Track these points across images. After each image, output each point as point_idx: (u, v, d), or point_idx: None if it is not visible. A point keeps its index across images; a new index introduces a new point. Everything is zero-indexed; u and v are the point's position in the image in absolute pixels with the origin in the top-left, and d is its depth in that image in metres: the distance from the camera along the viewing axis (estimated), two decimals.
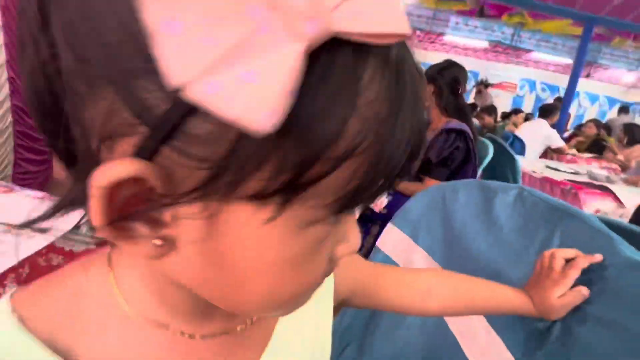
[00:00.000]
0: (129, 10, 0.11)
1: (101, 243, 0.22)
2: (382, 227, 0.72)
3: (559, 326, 0.40)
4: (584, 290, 0.38)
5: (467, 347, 0.53)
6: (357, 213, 0.21)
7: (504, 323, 0.48)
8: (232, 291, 0.18)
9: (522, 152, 3.34)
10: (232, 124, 0.11)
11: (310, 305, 0.21)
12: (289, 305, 0.20)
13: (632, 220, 1.35)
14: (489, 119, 3.92)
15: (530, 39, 6.67)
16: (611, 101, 8.46)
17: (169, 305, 0.21)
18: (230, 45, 0.11)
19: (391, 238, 0.69)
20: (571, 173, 2.06)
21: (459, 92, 1.39)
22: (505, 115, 4.86)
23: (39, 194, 0.75)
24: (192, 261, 0.16)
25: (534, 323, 0.42)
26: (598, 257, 0.38)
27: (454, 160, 1.34)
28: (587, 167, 2.49)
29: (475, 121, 3.97)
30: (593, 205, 1.64)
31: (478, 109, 4.53)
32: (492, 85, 7.11)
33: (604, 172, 2.04)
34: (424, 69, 1.75)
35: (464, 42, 7.00)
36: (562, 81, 6.23)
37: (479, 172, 1.56)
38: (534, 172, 2.00)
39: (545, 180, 1.88)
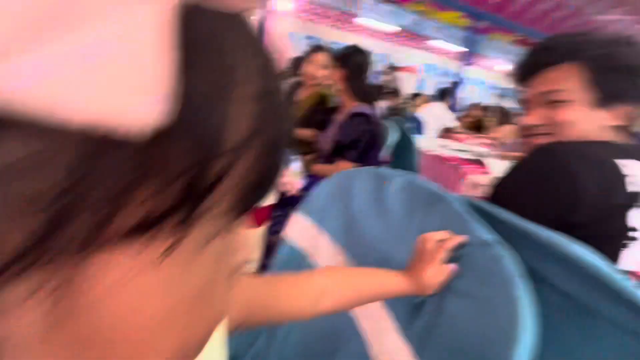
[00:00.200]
0: None
1: None
2: None
3: (431, 299, 0.47)
4: (450, 267, 0.45)
5: (362, 318, 0.58)
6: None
7: (392, 298, 0.53)
8: None
9: (421, 132, 3.75)
10: (75, 130, 0.07)
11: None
12: (198, 349, 0.15)
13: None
14: (395, 101, 4.26)
15: (429, 27, 7.35)
16: (492, 87, 10.04)
17: None
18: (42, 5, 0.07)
19: (297, 227, 0.70)
20: (459, 150, 2.40)
21: (365, 77, 1.46)
22: (409, 98, 5.33)
23: None
24: None
25: (414, 298, 0.48)
26: (461, 238, 0.45)
27: (361, 142, 1.42)
28: (472, 145, 2.93)
29: (384, 102, 4.28)
30: (472, 178, 1.95)
31: (387, 90, 4.88)
32: (399, 68, 7.71)
33: (484, 149, 2.43)
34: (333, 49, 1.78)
35: (373, 25, 7.34)
36: (455, 67, 7.10)
37: (386, 152, 1.69)
38: (431, 150, 2.26)
39: (439, 157, 2.15)
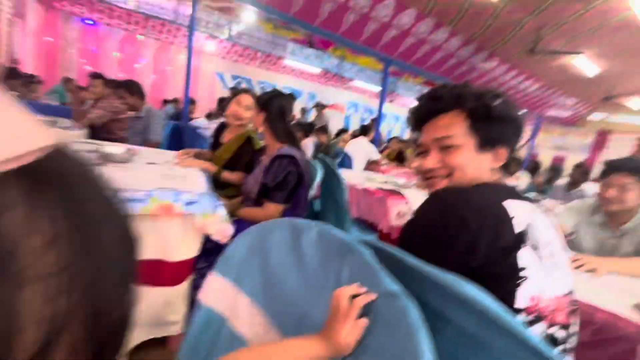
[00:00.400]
0: None
1: None
2: None
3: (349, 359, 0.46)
4: (361, 322, 0.45)
5: None
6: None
7: None
8: None
9: (351, 166, 3.95)
10: None
11: None
12: None
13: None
14: (323, 137, 4.46)
15: (350, 69, 8.07)
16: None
17: None
18: None
19: (213, 288, 0.64)
20: (382, 182, 2.57)
21: (287, 119, 1.50)
22: (337, 134, 5.65)
23: None
24: None
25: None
26: (372, 296, 0.46)
27: (288, 183, 1.42)
28: (392, 176, 3.17)
29: (314, 139, 4.45)
30: (395, 209, 2.08)
31: (317, 127, 5.11)
32: (327, 106, 8.19)
33: (403, 180, 2.64)
34: (257, 92, 1.81)
35: (300, 67, 7.78)
36: (376, 105, 7.84)
37: (313, 191, 1.71)
38: (357, 184, 2.37)
39: (366, 191, 2.26)
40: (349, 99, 10.00)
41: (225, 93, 6.19)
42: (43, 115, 2.90)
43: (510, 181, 3.74)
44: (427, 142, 0.75)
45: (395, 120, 11.09)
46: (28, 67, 5.21)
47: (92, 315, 0.12)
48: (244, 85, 7.98)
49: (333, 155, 4.22)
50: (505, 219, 0.56)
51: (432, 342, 0.40)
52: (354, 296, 0.46)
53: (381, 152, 5.19)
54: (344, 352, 0.45)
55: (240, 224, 1.47)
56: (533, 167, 4.99)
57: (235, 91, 1.85)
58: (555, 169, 5.11)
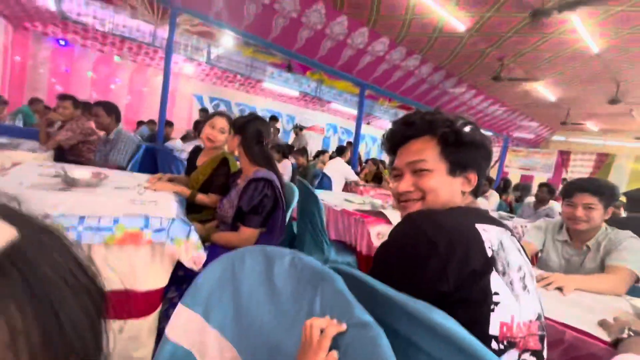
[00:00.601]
0: None
1: None
2: None
3: None
4: (332, 356, 0.43)
5: None
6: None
7: None
8: None
9: (330, 186, 3.97)
10: None
11: None
12: None
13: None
14: (302, 159, 4.49)
15: (328, 92, 8.29)
16: None
17: None
18: None
19: (181, 322, 0.61)
20: (359, 203, 2.59)
21: (264, 143, 1.50)
22: (316, 155, 5.70)
23: None
24: None
25: None
26: (343, 327, 0.44)
27: (264, 207, 1.40)
28: (370, 196, 3.21)
29: (292, 160, 4.47)
30: (375, 229, 2.09)
31: (296, 149, 5.14)
32: (305, 128, 8.30)
33: (380, 201, 2.67)
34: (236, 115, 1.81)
35: (279, 90, 7.91)
36: (354, 126, 8.03)
37: (289, 213, 1.70)
38: (335, 205, 2.38)
39: (344, 212, 2.27)
40: (328, 120, 10.21)
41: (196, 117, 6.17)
42: (7, 137, 2.75)
43: (481, 200, 3.87)
44: (401, 166, 0.77)
45: (373, 142, 11.38)
46: None
47: None
48: (222, 108, 7.98)
49: (312, 176, 4.24)
50: (476, 243, 0.57)
51: None
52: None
53: (359, 173, 5.27)
54: None
55: (215, 250, 1.43)
56: (503, 186, 5.22)
57: (207, 114, 1.85)
58: (524, 188, 5.37)
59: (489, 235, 0.59)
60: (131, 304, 1.11)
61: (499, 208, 4.35)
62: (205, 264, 1.27)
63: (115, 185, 1.50)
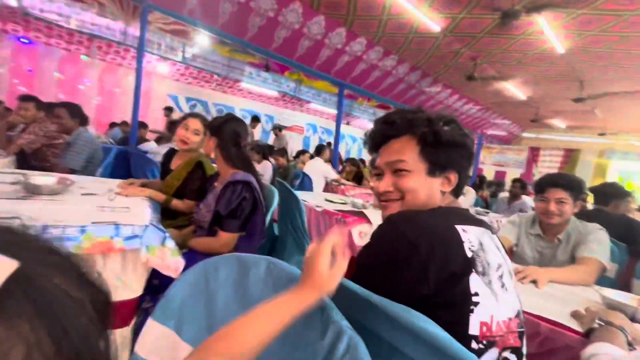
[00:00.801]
0: None
1: None
2: None
3: None
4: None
5: None
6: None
7: None
8: None
9: (311, 186, 3.95)
10: None
11: None
12: None
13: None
14: (282, 160, 4.45)
15: (307, 92, 8.27)
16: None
17: None
18: None
19: (152, 338, 0.57)
20: (341, 203, 2.59)
21: (241, 144, 1.46)
22: (296, 155, 5.67)
23: None
24: None
25: None
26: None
27: (242, 211, 1.36)
28: (351, 196, 3.22)
29: (272, 161, 4.42)
30: (357, 229, 2.09)
31: (276, 149, 5.09)
32: (285, 128, 8.24)
33: (361, 200, 2.68)
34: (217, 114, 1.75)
35: (258, 90, 7.80)
36: (334, 126, 8.06)
37: (270, 216, 1.67)
38: (317, 206, 2.36)
39: (325, 213, 2.26)
40: (307, 120, 10.18)
41: (179, 115, 5.96)
42: None
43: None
44: (382, 165, 0.76)
45: (353, 142, 11.46)
46: None
47: None
48: (199, 109, 7.79)
49: (293, 177, 4.21)
50: (456, 245, 0.57)
51: None
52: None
53: (340, 172, 5.28)
54: (327, 286, 0.46)
55: (193, 256, 1.37)
56: (479, 182, 5.39)
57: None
58: (498, 184, 5.56)
59: (469, 236, 0.59)
60: None
61: (476, 204, 4.48)
62: (184, 271, 1.23)
63: (83, 192, 1.42)
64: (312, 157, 4.74)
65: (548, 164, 10.04)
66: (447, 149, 0.69)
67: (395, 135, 0.74)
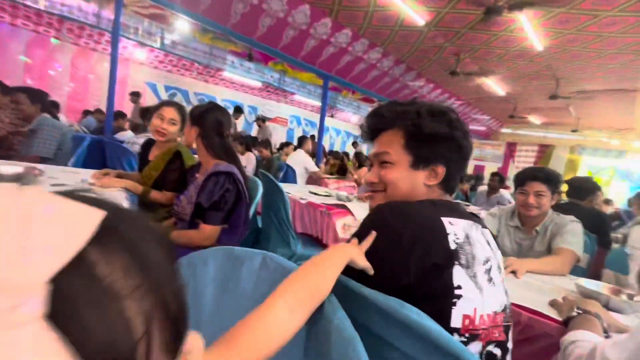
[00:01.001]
0: None
1: None
2: None
3: None
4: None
5: None
6: None
7: None
8: None
9: (295, 179, 3.93)
10: None
11: None
12: None
13: None
14: (266, 152, 4.38)
15: (292, 84, 8.16)
16: (348, 134, 11.71)
17: None
18: None
19: None
20: (325, 196, 2.58)
21: (224, 134, 1.41)
22: (280, 147, 5.61)
23: None
24: None
25: None
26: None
27: (226, 203, 1.32)
28: (335, 189, 3.22)
29: (256, 153, 4.35)
30: (341, 222, 2.09)
31: (260, 141, 5.00)
32: (269, 119, 8.12)
33: (345, 193, 2.68)
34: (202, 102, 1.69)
35: (240, 80, 7.62)
36: (318, 119, 8.02)
37: (254, 208, 1.63)
38: (302, 198, 2.34)
39: (309, 205, 2.24)
40: (291, 112, 10.08)
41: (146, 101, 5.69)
42: None
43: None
44: (371, 157, 0.77)
45: (337, 134, 11.46)
46: None
47: (165, 305, 0.19)
48: (179, 98, 7.53)
49: (277, 169, 4.16)
50: (439, 236, 0.57)
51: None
52: None
53: (324, 165, 5.27)
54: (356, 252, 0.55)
55: (176, 250, 1.33)
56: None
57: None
58: (478, 177, 5.71)
59: (455, 228, 0.59)
60: None
61: (457, 197, 4.59)
62: None
63: (52, 183, 1.34)
64: (295, 149, 4.70)
65: (524, 159, 10.41)
66: (431, 142, 0.69)
67: (385, 128, 0.74)
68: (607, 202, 5.13)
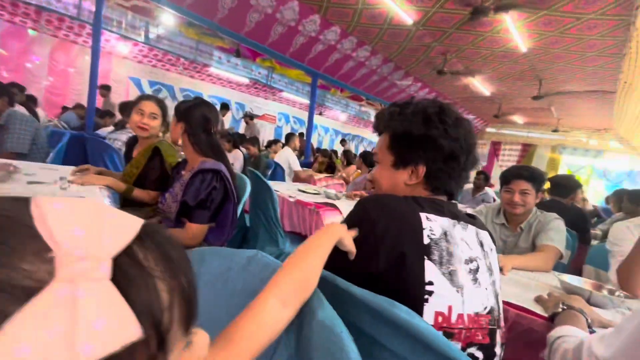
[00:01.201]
0: None
1: None
2: None
3: None
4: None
5: None
6: None
7: None
8: None
9: (284, 177, 3.90)
10: None
11: None
12: None
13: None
14: (253, 149, 4.33)
15: (280, 81, 8.09)
16: (336, 132, 11.71)
17: None
18: None
19: None
20: (314, 194, 2.57)
21: (211, 130, 1.38)
22: (268, 145, 5.56)
23: None
24: None
25: None
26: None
27: (213, 201, 1.29)
28: (324, 187, 3.20)
29: (244, 150, 4.29)
30: (330, 220, 2.08)
31: (248, 138, 4.94)
32: (257, 116, 8.03)
33: (334, 191, 2.67)
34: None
35: (228, 76, 7.50)
36: (306, 116, 7.98)
37: (241, 206, 1.60)
38: (290, 197, 2.32)
39: (298, 203, 2.22)
40: (279, 109, 10.00)
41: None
42: None
43: None
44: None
45: (325, 132, 11.44)
46: None
47: (183, 288, 0.25)
48: (164, 94, 7.36)
49: (264, 166, 4.12)
50: (412, 228, 0.59)
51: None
52: None
53: (313, 163, 5.25)
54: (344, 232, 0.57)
55: None
56: None
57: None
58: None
59: (432, 224, 0.60)
60: None
61: None
62: None
63: (29, 180, 1.28)
64: (283, 146, 4.66)
65: (508, 158, 10.66)
66: (408, 142, 0.71)
67: (381, 130, 0.78)
68: (584, 200, 5.31)
